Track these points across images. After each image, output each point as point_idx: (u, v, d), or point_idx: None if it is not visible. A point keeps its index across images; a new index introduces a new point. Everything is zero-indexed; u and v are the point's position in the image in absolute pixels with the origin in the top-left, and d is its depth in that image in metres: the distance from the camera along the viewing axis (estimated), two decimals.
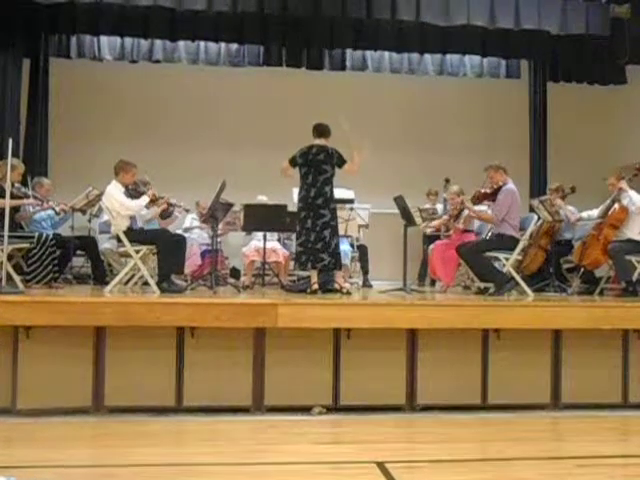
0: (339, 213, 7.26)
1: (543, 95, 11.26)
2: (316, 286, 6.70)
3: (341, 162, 6.78)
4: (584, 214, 7.82)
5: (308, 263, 6.78)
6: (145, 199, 6.92)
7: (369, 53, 11.14)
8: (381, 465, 4.02)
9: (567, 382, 5.85)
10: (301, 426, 5.18)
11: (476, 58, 11.38)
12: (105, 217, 8.05)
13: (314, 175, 6.74)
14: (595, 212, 7.59)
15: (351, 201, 8.87)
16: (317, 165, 6.74)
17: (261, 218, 8.20)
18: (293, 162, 6.82)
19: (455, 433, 5.03)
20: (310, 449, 4.55)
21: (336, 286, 6.89)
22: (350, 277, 8.80)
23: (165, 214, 8.20)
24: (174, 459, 4.19)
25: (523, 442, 4.79)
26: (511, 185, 7.22)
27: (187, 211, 8.75)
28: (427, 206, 9.57)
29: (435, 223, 8.99)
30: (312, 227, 6.73)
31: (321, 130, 6.85)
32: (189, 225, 9.69)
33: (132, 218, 6.80)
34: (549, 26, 9.34)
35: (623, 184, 7.24)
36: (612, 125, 11.30)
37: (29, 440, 4.65)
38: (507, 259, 7.06)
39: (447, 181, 8.81)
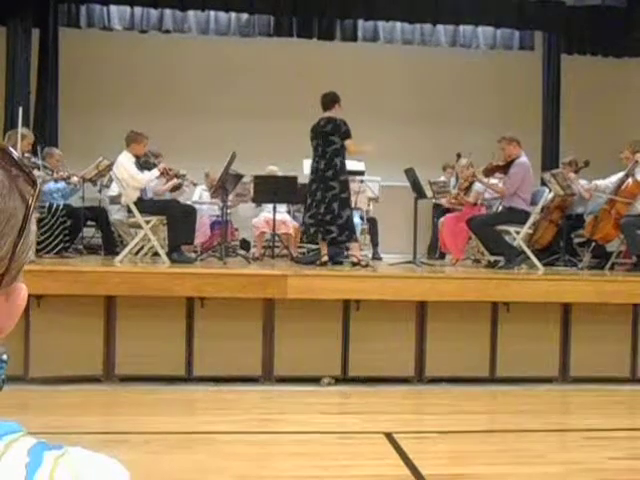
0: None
1: (557, 67, 11.13)
2: (326, 258, 6.69)
3: (345, 136, 6.67)
4: (599, 182, 7.69)
5: (317, 235, 6.76)
6: (155, 172, 6.89)
7: (381, 24, 11.02)
8: (389, 435, 4.05)
9: (576, 356, 5.85)
10: (310, 396, 5.22)
11: (489, 29, 11.24)
12: (115, 188, 8.05)
13: (323, 147, 6.67)
14: (610, 179, 7.47)
15: (361, 173, 8.82)
16: (324, 136, 6.67)
17: (271, 189, 8.16)
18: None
19: (463, 405, 5.06)
20: (319, 419, 4.59)
21: (353, 259, 6.85)
22: (360, 250, 8.78)
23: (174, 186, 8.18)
24: (184, 427, 4.24)
25: (531, 414, 4.82)
26: (524, 158, 7.15)
27: (195, 185, 8.72)
28: (442, 179, 9.47)
29: (453, 200, 8.79)
30: (322, 199, 6.69)
31: (323, 102, 6.76)
32: (198, 198, 9.67)
33: (142, 189, 6.80)
34: None
35: (638, 158, 7.16)
36: (627, 98, 11.15)
37: (42, 407, 4.71)
38: (518, 233, 7.03)
39: (459, 156, 8.73)
